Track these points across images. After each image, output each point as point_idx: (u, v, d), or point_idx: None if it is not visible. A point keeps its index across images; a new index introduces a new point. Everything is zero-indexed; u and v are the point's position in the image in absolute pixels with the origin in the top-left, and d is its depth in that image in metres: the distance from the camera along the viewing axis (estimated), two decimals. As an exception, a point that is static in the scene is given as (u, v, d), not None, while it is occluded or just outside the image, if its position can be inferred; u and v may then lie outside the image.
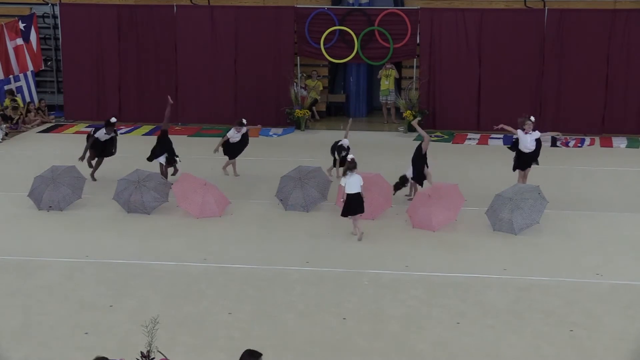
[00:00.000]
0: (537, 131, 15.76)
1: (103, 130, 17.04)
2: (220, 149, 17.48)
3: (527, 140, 15.58)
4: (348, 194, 13.60)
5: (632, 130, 21.51)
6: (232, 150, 17.57)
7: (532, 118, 15.72)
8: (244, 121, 17.52)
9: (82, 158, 16.92)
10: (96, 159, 17.29)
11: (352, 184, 13.54)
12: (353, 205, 13.65)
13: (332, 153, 17.22)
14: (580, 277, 12.14)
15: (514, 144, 16.04)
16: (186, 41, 22.84)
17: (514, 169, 15.99)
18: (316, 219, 14.78)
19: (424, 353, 9.83)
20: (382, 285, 11.85)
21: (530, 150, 15.64)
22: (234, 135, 17.42)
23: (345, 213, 13.84)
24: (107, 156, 17.41)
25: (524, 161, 15.80)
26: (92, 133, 17.19)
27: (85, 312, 10.92)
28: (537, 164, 15.96)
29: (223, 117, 22.81)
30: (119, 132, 17.96)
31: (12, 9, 25.04)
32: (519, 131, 15.62)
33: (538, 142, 15.71)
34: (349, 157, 14.05)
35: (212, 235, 14.04)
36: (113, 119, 17.28)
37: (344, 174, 13.75)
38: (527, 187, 14.44)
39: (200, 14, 22.94)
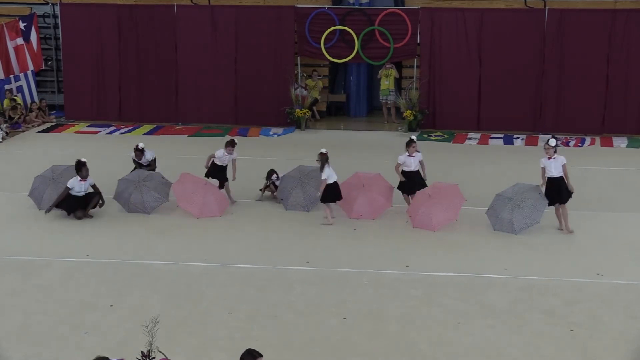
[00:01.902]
0: (562, 157, 14.00)
1: (77, 178, 14.55)
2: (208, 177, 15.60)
3: (550, 166, 13.88)
4: (329, 184, 14.36)
5: (632, 130, 21.51)
6: (220, 174, 15.66)
7: (552, 141, 13.98)
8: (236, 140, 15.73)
9: (48, 209, 14.66)
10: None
11: (333, 175, 14.41)
12: (335, 193, 14.50)
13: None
14: (580, 277, 12.13)
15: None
16: (186, 41, 22.84)
17: (550, 204, 14.05)
18: (316, 219, 14.77)
19: (424, 353, 9.83)
20: (382, 285, 11.85)
21: (555, 176, 13.87)
22: (222, 156, 15.57)
23: (330, 200, 14.51)
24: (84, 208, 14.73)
25: (555, 191, 13.93)
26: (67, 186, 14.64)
27: (85, 312, 10.91)
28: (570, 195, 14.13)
29: (223, 117, 22.85)
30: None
31: (13, 9, 25.07)
32: (543, 159, 14.00)
33: (563, 168, 13.95)
34: (322, 150, 14.54)
35: (212, 235, 14.04)
36: (83, 159, 14.66)
37: (323, 167, 14.33)
38: (527, 187, 14.39)
39: (201, 13, 22.93)
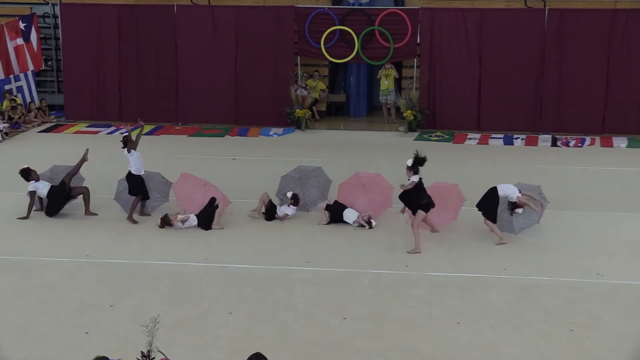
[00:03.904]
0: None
1: (32, 182, 14.91)
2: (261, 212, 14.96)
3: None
4: None
5: (632, 130, 21.50)
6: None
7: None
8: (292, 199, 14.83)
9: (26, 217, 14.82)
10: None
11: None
12: None
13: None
14: (580, 277, 12.14)
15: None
16: (186, 41, 22.83)
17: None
18: (316, 219, 14.76)
19: (424, 353, 9.83)
20: (382, 285, 11.85)
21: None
22: (287, 210, 14.84)
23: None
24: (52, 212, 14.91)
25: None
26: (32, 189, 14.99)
27: (85, 312, 10.92)
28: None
29: (223, 117, 22.84)
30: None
31: (13, 9, 25.06)
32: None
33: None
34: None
35: (212, 235, 14.04)
36: (25, 166, 15.08)
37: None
38: (527, 187, 14.40)
39: (201, 13, 22.93)
